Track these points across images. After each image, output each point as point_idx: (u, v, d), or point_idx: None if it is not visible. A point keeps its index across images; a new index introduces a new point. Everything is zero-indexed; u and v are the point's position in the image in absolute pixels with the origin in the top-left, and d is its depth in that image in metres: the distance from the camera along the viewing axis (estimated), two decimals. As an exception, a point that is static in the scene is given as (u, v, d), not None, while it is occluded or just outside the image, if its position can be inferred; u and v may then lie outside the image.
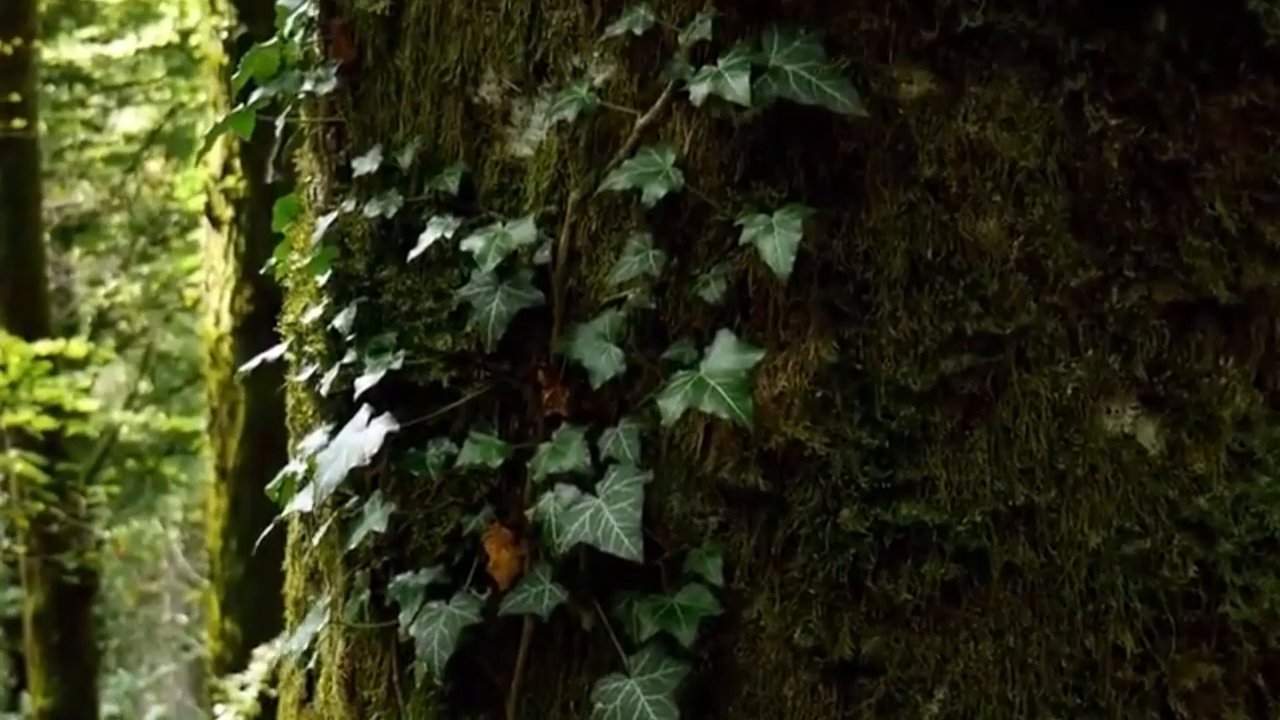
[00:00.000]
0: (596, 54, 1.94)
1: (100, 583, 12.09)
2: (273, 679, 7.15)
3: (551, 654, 1.95)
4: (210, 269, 8.79)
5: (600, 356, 1.88)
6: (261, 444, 8.36)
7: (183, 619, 16.60)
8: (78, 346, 10.04)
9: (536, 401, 1.96)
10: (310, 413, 2.17)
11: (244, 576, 8.50)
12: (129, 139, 14.22)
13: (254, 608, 8.32)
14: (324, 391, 2.05)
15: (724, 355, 1.83)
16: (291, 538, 2.33)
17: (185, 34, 11.76)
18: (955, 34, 1.84)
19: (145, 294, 14.02)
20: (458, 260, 1.97)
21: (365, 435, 1.92)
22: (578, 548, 1.85)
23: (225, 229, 8.66)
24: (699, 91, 1.81)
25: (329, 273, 2.07)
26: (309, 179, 2.21)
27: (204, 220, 8.95)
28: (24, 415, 9.39)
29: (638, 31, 1.87)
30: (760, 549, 1.88)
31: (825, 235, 1.86)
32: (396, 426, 1.94)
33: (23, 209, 11.06)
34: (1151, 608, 1.84)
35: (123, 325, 14.61)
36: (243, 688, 7.54)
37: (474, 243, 1.92)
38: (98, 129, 14.28)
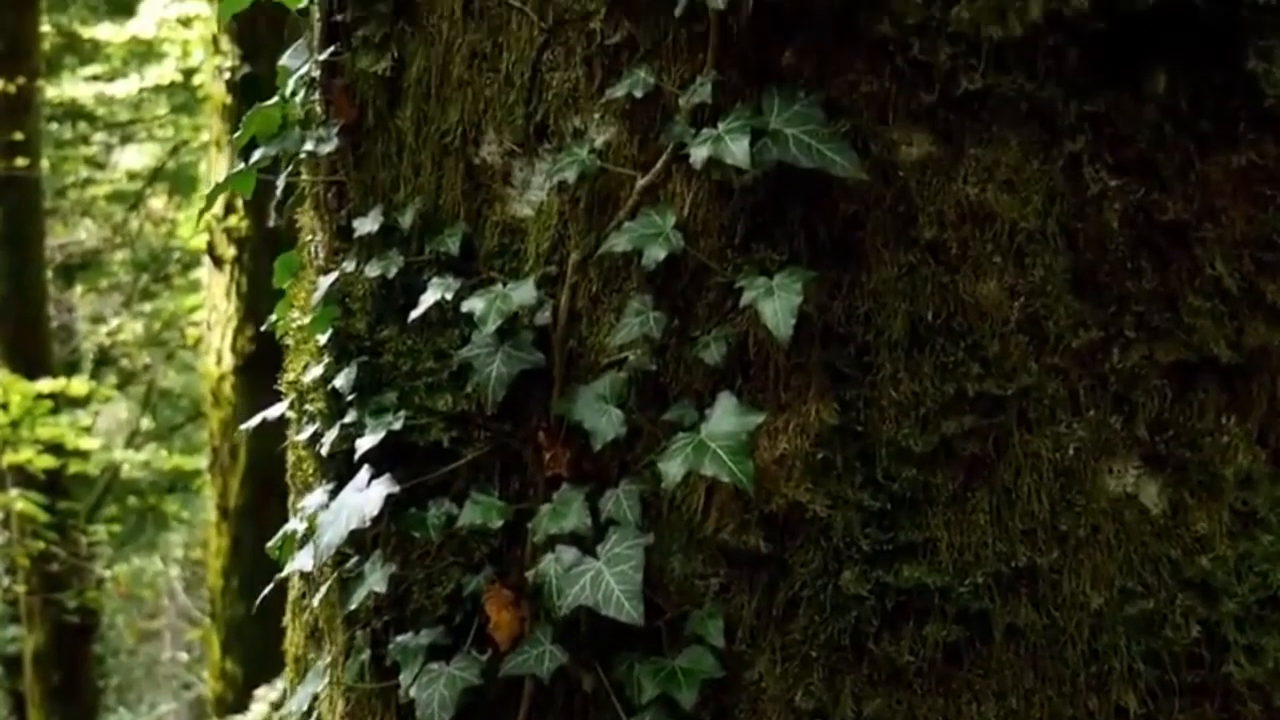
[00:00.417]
0: (597, 116, 1.94)
1: (101, 621, 12.07)
2: (273, 723, 7.14)
3: (552, 716, 1.95)
4: (212, 308, 8.80)
5: (601, 418, 1.88)
6: (263, 484, 8.36)
7: (183, 657, 16.57)
8: (79, 385, 10.07)
9: (537, 462, 1.96)
10: (311, 471, 2.17)
11: (245, 616, 8.49)
12: (132, 176, 14.26)
13: (255, 648, 8.31)
14: (324, 451, 2.05)
15: (725, 418, 1.83)
16: (292, 594, 2.33)
17: (188, 73, 11.80)
18: (955, 97, 1.84)
19: (147, 332, 14.03)
20: (458, 320, 1.97)
21: (366, 496, 1.92)
22: (579, 609, 1.84)
23: (227, 268, 8.68)
24: (699, 155, 1.81)
25: (330, 332, 2.07)
26: (310, 237, 2.22)
27: (206, 259, 8.98)
28: (25, 454, 9.40)
29: (638, 94, 1.88)
30: (762, 611, 1.88)
31: (826, 297, 1.86)
32: (397, 488, 1.94)
33: (25, 247, 11.09)
34: (1155, 668, 1.84)
35: (124, 362, 14.62)
36: (244, 729, 7.53)
37: (475, 304, 1.92)
38: (100, 166, 14.32)
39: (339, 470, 2.06)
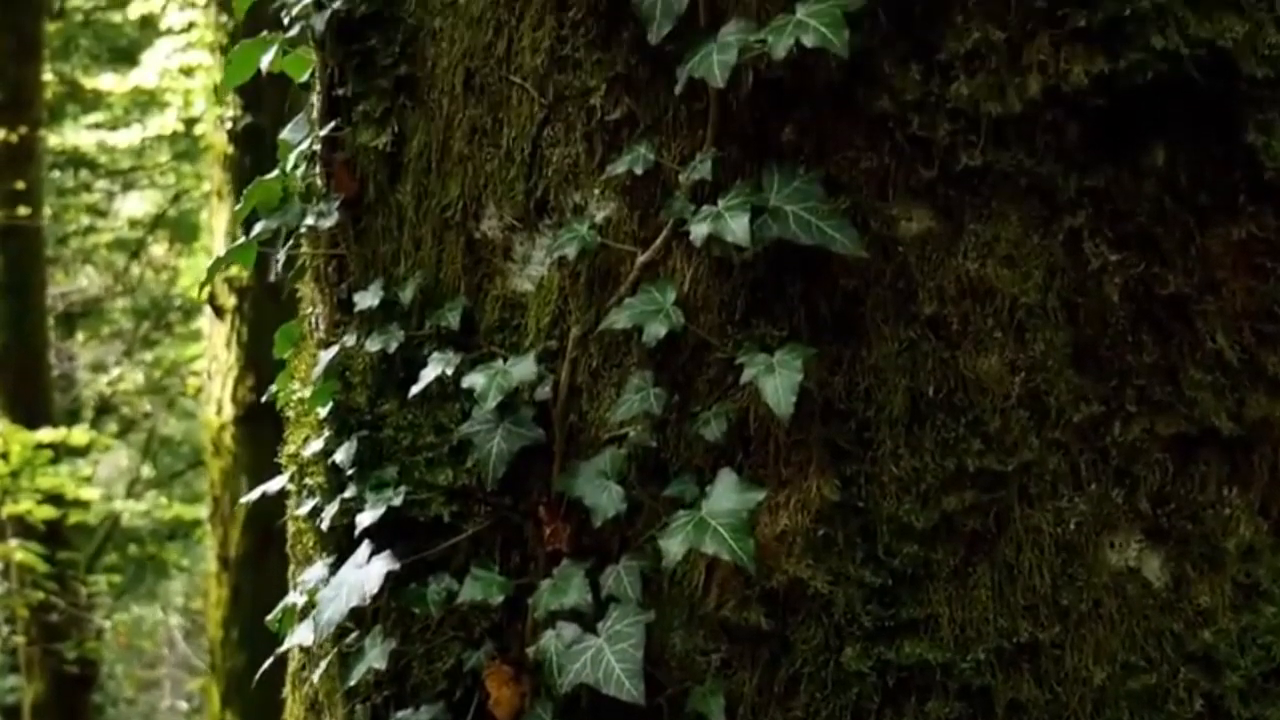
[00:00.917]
0: (597, 191, 1.95)
1: (100, 671, 12.03)
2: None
3: (553, 792, 1.94)
4: (213, 357, 8.80)
5: (601, 494, 1.88)
6: (263, 534, 8.34)
7: (183, 706, 16.50)
8: (79, 434, 10.05)
9: (538, 537, 1.96)
10: (311, 543, 2.16)
11: (245, 667, 8.45)
12: (133, 224, 14.29)
13: (255, 701, 8.27)
14: (325, 526, 2.05)
15: (725, 495, 1.83)
16: (292, 666, 2.32)
17: (190, 122, 11.84)
18: (955, 172, 1.85)
19: (148, 380, 14.04)
20: (459, 395, 1.98)
21: (366, 573, 1.92)
22: (580, 686, 1.84)
23: (228, 318, 8.68)
24: (699, 231, 1.82)
25: (330, 405, 2.07)
26: (310, 309, 2.22)
27: (207, 309, 8.98)
28: (25, 504, 9.38)
29: (638, 171, 1.88)
30: (763, 687, 1.87)
31: (826, 373, 1.86)
32: (397, 565, 1.94)
33: (27, 296, 11.10)
34: (1158, 743, 1.83)
35: (125, 409, 14.62)
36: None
37: (475, 380, 1.92)
38: (102, 214, 14.36)
39: (339, 544, 2.05)
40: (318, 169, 2.13)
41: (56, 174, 13.74)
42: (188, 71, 10.81)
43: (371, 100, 2.07)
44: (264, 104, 8.30)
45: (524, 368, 1.92)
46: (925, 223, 1.86)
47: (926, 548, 1.84)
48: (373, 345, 2.02)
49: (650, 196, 1.92)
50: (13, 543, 9.72)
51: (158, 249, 14.87)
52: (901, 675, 1.84)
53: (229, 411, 8.60)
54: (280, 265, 2.17)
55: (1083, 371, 1.86)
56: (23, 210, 10.64)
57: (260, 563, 8.36)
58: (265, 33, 2.18)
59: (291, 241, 2.16)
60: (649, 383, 1.89)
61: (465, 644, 1.99)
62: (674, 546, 1.81)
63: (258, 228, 2.17)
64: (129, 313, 14.48)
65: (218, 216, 8.96)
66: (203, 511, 10.96)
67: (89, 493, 10.23)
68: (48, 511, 9.48)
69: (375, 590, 1.90)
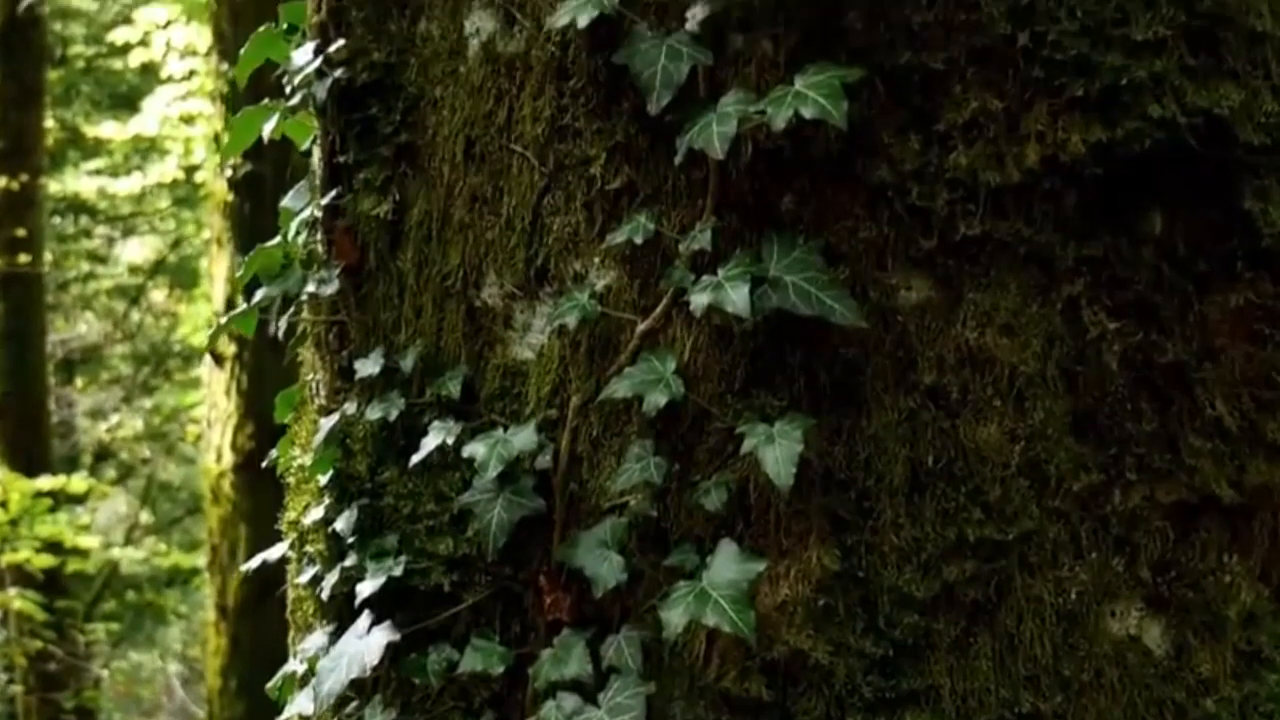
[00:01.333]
0: (597, 260, 1.95)
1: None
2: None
3: None
4: (212, 405, 8.80)
5: (602, 565, 1.88)
6: (262, 583, 8.31)
7: (181, 753, 16.41)
8: (78, 482, 10.05)
9: (538, 606, 1.95)
10: (311, 611, 2.16)
11: (243, 716, 8.42)
12: (133, 270, 14.32)
13: (253, 750, 8.23)
14: (325, 595, 2.05)
15: (726, 566, 1.83)
16: (291, 733, 2.31)
17: (190, 170, 11.88)
18: (953, 242, 1.85)
19: (147, 427, 14.03)
20: (459, 463, 1.97)
21: (366, 644, 1.92)
22: (580, 756, 1.84)
23: (228, 365, 8.68)
24: (699, 302, 1.82)
25: (330, 473, 2.07)
26: (311, 375, 2.22)
27: (206, 356, 8.98)
28: (24, 553, 9.37)
29: (638, 240, 1.89)
30: (764, 758, 1.86)
31: (826, 442, 1.86)
32: (398, 636, 1.93)
33: (27, 344, 11.12)
34: (1161, 813, 1.83)
35: (124, 454, 14.61)
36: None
37: (476, 449, 1.92)
38: (102, 260, 14.38)
39: (339, 613, 2.05)
40: (319, 236, 2.14)
41: (57, 220, 13.78)
42: (188, 119, 10.85)
43: (373, 168, 2.08)
44: (264, 153, 8.30)
45: (524, 437, 1.92)
46: (924, 292, 1.86)
47: (927, 618, 1.84)
48: (373, 413, 2.02)
49: (650, 265, 1.92)
50: (11, 591, 9.70)
51: (158, 294, 14.89)
52: (903, 746, 1.83)
53: (228, 459, 8.59)
54: (281, 332, 2.17)
55: (1082, 440, 1.86)
56: (23, 257, 10.66)
57: (259, 612, 8.34)
58: (267, 100, 2.19)
59: (292, 308, 2.17)
60: (649, 452, 1.89)
61: (466, 714, 1.98)
62: (675, 618, 1.80)
63: (259, 294, 2.18)
64: (129, 359, 14.48)
65: (218, 264, 8.98)
66: (201, 559, 10.94)
67: (88, 540, 10.21)
68: (46, 560, 9.46)
69: (375, 662, 1.90)
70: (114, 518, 15.73)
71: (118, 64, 13.11)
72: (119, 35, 10.95)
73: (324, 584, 2.05)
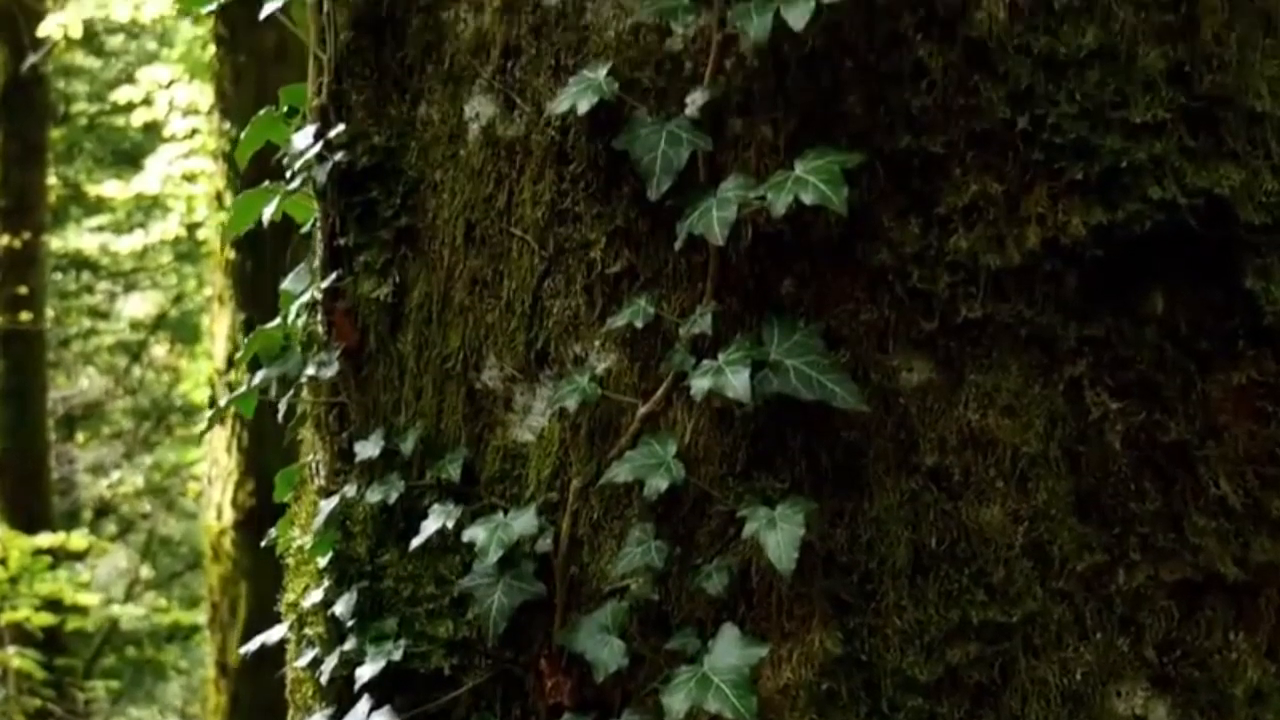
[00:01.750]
0: (598, 343, 1.95)
1: (98, 778, 11.93)
2: None
3: None
4: (213, 462, 8.79)
5: (603, 649, 1.87)
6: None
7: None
8: (78, 539, 10.03)
9: (539, 689, 1.94)
10: (310, 694, 2.15)
11: (244, 777, 8.38)
12: (135, 325, 14.34)
13: (253, 812, 8.19)
14: (324, 678, 2.04)
15: (728, 650, 1.82)
16: (291, 816, 2.29)
17: (192, 227, 11.91)
18: (955, 324, 1.85)
19: (148, 483, 14.02)
20: (460, 546, 1.97)
21: (365, 729, 1.91)
22: (581, 842, 1.82)
23: (228, 423, 8.67)
24: (700, 386, 1.82)
25: (330, 555, 2.06)
26: (311, 455, 2.22)
27: (208, 413, 8.98)
28: (23, 611, 9.35)
29: (638, 324, 1.88)
30: (768, 844, 1.85)
31: (828, 525, 1.85)
32: (398, 720, 1.93)
33: (27, 401, 11.13)
34: None
35: (125, 508, 14.59)
36: None
37: (476, 533, 1.91)
38: (104, 316, 14.41)
39: (339, 696, 2.04)
40: (319, 318, 2.14)
41: (59, 276, 13.81)
42: (190, 178, 10.89)
43: (373, 251, 2.08)
44: (266, 210, 8.34)
45: (525, 521, 1.91)
46: (926, 374, 1.86)
47: (931, 701, 1.83)
48: (373, 496, 2.01)
49: (651, 348, 1.92)
50: (10, 649, 9.68)
51: (159, 349, 14.91)
52: (908, 831, 1.82)
53: (229, 516, 8.57)
54: (281, 414, 2.17)
55: (1086, 520, 1.85)
56: (25, 315, 10.68)
57: (259, 670, 8.30)
58: (268, 182, 2.20)
59: (292, 390, 2.17)
60: (650, 535, 1.89)
61: (466, 798, 1.97)
62: (677, 703, 1.79)
63: (259, 376, 2.18)
64: (130, 414, 14.49)
65: (219, 321, 8.99)
66: (201, 616, 10.90)
67: (87, 598, 10.19)
68: (46, 618, 9.44)
69: (375, 747, 1.89)
70: (114, 572, 15.70)
71: (120, 120, 13.17)
72: (122, 94, 11.01)
73: (323, 667, 2.04)
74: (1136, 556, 1.85)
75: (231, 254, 8.71)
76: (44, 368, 11.60)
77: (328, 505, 2.06)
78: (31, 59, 11.00)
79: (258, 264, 8.35)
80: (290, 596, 2.20)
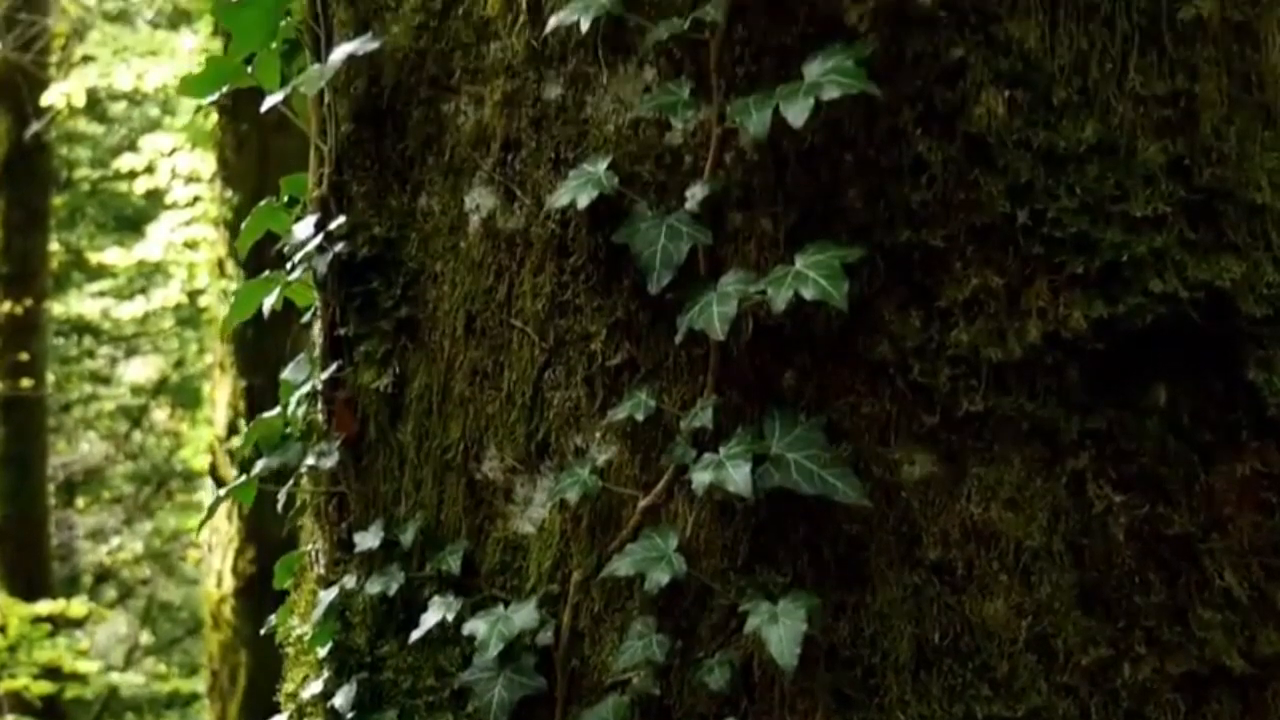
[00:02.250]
0: (598, 435, 1.94)
1: None
2: None
3: None
4: (214, 529, 8.76)
5: (604, 744, 1.86)
6: (264, 711, 8.24)
7: None
8: (78, 606, 10.00)
9: (539, 783, 1.93)
10: (309, 786, 2.13)
11: None
12: (135, 390, 14.34)
13: None
14: (324, 772, 2.03)
15: (730, 747, 1.80)
16: None
17: (194, 294, 11.93)
18: (956, 418, 1.85)
19: (148, 549, 13.99)
20: (460, 638, 1.95)
21: (364, 826, 1.89)
22: None
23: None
24: (701, 480, 1.81)
25: (330, 646, 2.05)
26: (311, 545, 2.21)
27: (208, 480, 8.96)
28: (22, 680, 9.30)
29: (639, 417, 1.88)
30: None
31: (830, 619, 1.84)
32: (397, 817, 1.91)
33: (28, 467, 11.11)
34: None
35: (125, 574, 14.54)
36: None
37: (476, 626, 1.90)
38: (105, 381, 14.41)
39: (338, 790, 2.02)
40: (319, 407, 2.14)
41: (60, 341, 13.82)
42: (192, 245, 10.92)
43: (373, 341, 2.08)
44: (268, 278, 8.35)
45: (525, 614, 1.90)
46: (928, 467, 1.86)
47: (936, 797, 1.81)
48: (373, 587, 2.00)
49: (652, 441, 1.91)
50: (9, 718, 9.62)
51: (160, 414, 14.90)
52: None
53: (229, 584, 8.55)
54: (281, 504, 2.16)
55: (1090, 614, 1.84)
56: (26, 382, 10.68)
57: (258, 745, 8.26)
58: (268, 271, 2.20)
59: (292, 479, 2.16)
60: (651, 629, 1.88)
61: None
62: (678, 801, 1.78)
63: (258, 465, 2.18)
64: (130, 478, 14.46)
65: (220, 388, 8.99)
66: (201, 684, 10.85)
67: (87, 665, 10.14)
68: (45, 686, 9.39)
69: (375, 843, 1.87)
70: (114, 638, 15.63)
71: (123, 187, 13.22)
72: (125, 161, 11.05)
73: (323, 761, 2.02)
74: (1142, 650, 1.84)
75: (233, 321, 8.71)
76: (45, 433, 11.59)
77: (327, 596, 2.05)
78: (35, 127, 11.06)
79: (259, 331, 8.35)
80: (289, 687, 2.18)
